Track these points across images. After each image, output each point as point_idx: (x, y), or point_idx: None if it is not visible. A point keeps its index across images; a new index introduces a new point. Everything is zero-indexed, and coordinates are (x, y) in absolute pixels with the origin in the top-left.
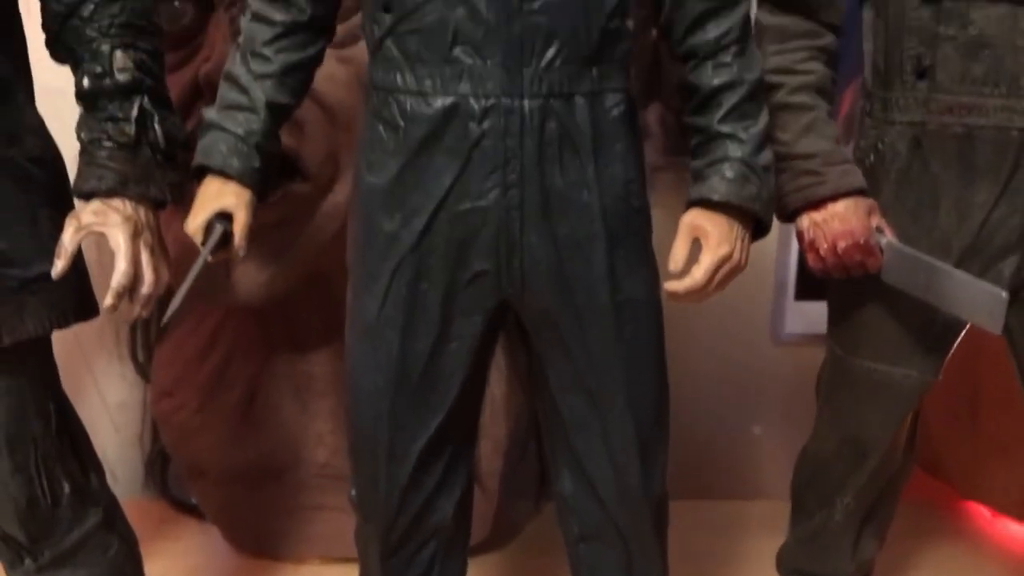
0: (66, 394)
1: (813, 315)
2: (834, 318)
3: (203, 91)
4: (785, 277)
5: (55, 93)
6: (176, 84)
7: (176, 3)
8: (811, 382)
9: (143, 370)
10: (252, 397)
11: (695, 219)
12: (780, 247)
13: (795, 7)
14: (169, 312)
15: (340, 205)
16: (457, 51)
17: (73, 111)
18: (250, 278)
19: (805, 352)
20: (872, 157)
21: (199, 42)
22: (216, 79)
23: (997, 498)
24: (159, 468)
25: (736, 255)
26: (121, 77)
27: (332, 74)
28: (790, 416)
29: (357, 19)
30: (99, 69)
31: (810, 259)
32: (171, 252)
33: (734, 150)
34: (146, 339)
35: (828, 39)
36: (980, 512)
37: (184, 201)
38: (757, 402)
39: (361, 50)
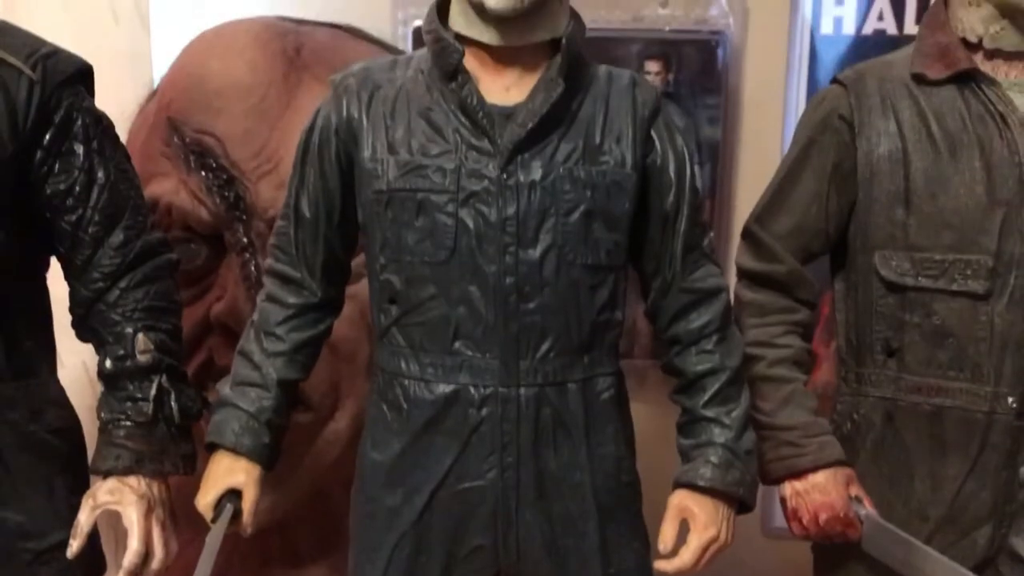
0: None
1: None
2: (819, 568)
3: (213, 328)
4: None
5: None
6: (188, 319)
7: (192, 245)
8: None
9: None
10: None
11: (683, 501)
12: None
13: (771, 285)
14: None
15: (341, 432)
16: (458, 344)
17: None
18: None
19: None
20: (848, 425)
21: (211, 280)
22: (226, 320)
23: None
24: None
25: (722, 535)
26: (142, 359)
27: None
28: None
29: (361, 259)
30: (121, 352)
31: (793, 527)
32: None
33: (718, 435)
34: None
35: (803, 314)
36: None
37: (195, 470)
38: None
39: (363, 287)
